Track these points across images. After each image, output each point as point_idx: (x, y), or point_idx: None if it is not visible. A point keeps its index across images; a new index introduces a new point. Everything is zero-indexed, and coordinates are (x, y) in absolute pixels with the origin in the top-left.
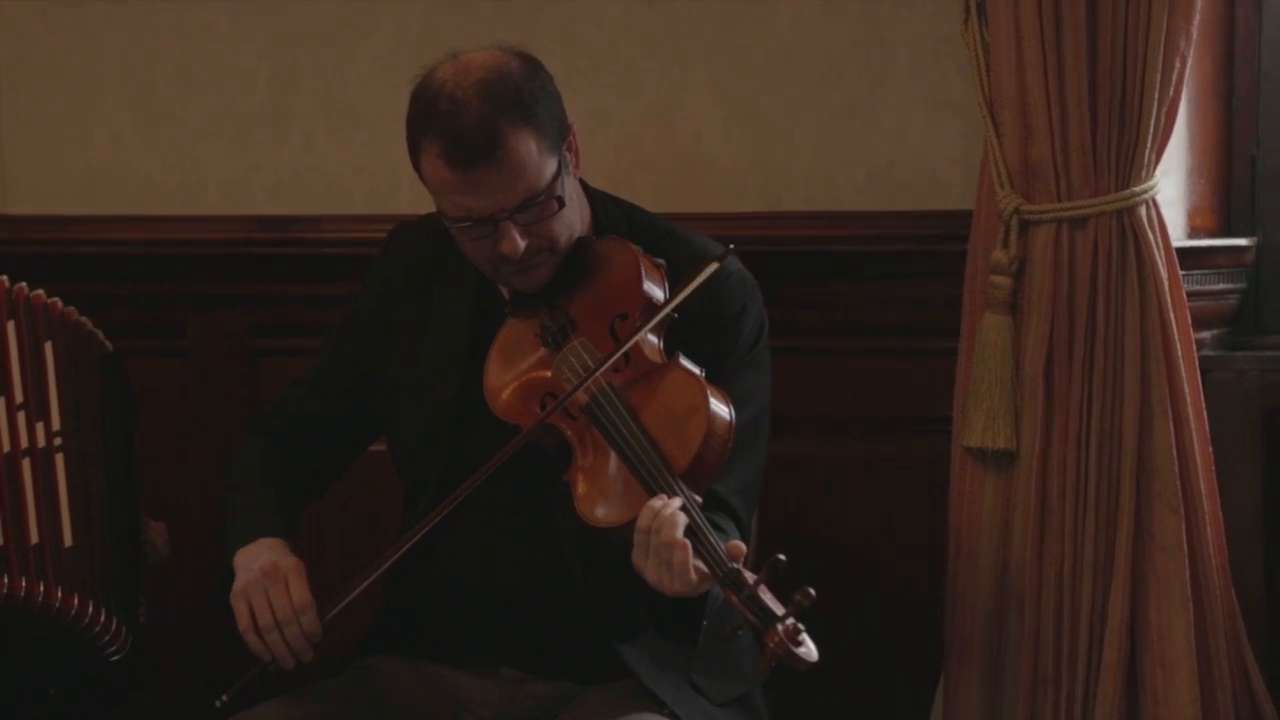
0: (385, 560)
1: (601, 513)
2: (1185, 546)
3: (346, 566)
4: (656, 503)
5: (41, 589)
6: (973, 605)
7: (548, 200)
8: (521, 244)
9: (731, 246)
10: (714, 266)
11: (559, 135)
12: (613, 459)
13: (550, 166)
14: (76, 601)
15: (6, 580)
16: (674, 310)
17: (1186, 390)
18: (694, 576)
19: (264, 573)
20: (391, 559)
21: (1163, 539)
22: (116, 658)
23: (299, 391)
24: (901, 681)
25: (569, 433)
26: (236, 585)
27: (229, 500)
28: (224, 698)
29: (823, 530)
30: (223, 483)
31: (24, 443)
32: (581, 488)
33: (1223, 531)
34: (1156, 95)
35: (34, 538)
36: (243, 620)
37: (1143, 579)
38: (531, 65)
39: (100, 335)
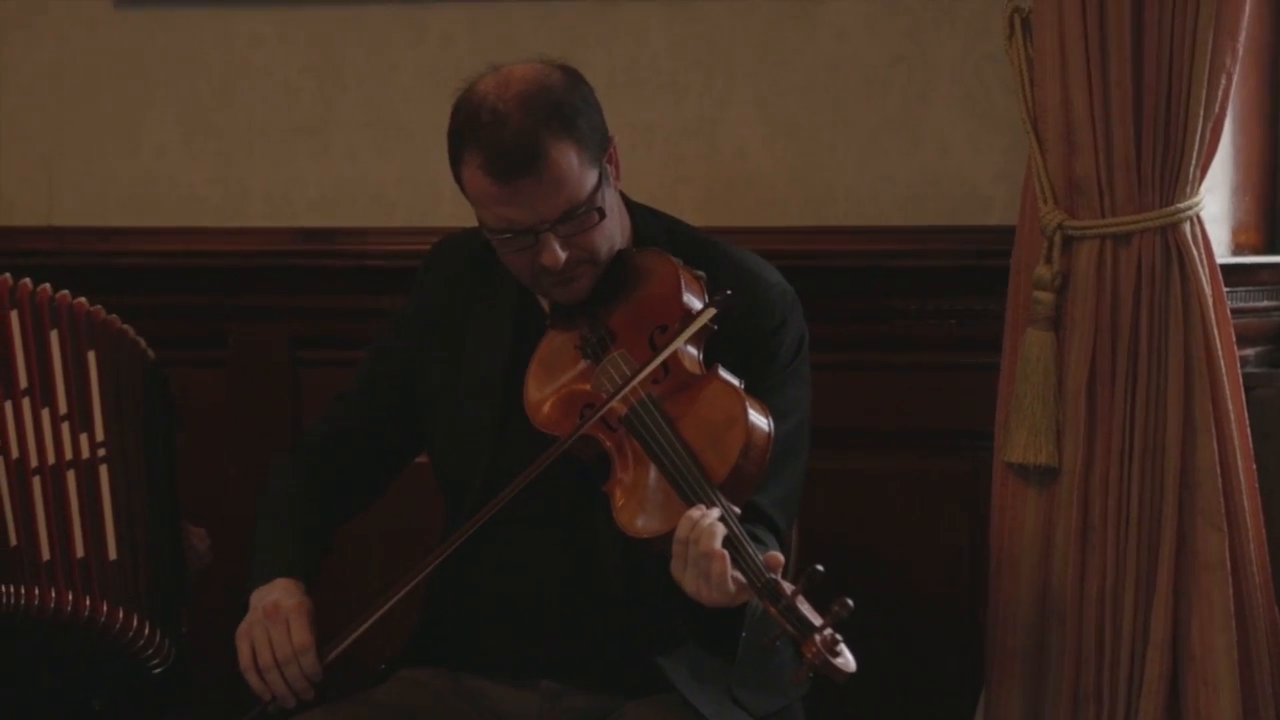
0: (395, 594)
1: (641, 523)
2: (1228, 564)
3: (388, 580)
4: (695, 513)
5: (87, 603)
6: (1014, 620)
7: (588, 212)
8: (562, 255)
9: (730, 292)
10: (711, 312)
11: (600, 147)
12: (652, 470)
13: (591, 178)
14: (121, 615)
15: (54, 594)
16: (712, 323)
17: (1230, 407)
18: (732, 587)
19: (266, 613)
20: (402, 592)
21: (1205, 556)
22: (159, 670)
23: (341, 406)
24: (942, 696)
25: (608, 444)
26: (241, 625)
27: (256, 533)
28: None
29: (864, 544)
30: (261, 496)
31: (68, 454)
32: (620, 499)
33: (1266, 549)
34: (1202, 111)
35: (79, 551)
36: (243, 658)
37: (1185, 596)
38: (572, 77)
39: (142, 343)
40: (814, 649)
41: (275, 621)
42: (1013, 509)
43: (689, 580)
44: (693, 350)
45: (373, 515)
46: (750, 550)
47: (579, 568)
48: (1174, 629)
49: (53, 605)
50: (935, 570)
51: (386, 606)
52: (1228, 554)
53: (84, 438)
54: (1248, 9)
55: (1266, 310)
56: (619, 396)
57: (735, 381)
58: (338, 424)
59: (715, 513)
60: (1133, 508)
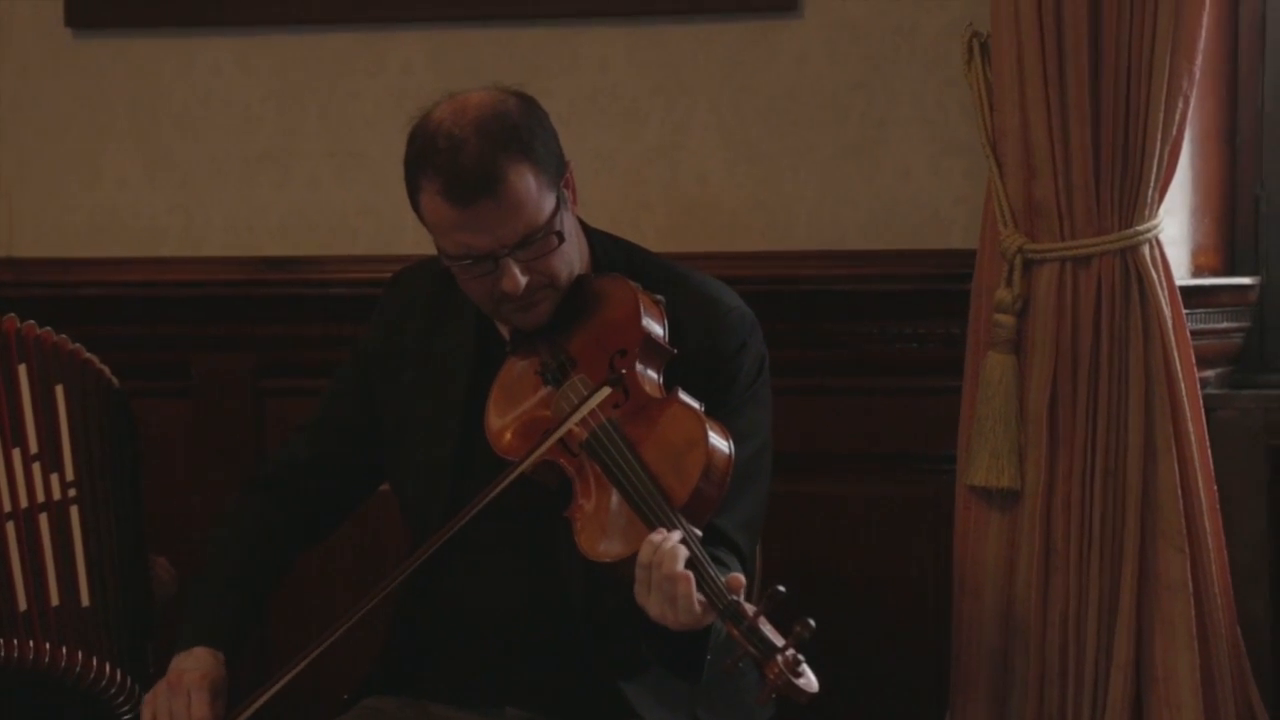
0: (311, 653)
1: (602, 548)
2: (1190, 585)
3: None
4: (656, 537)
5: (64, 653)
6: (978, 644)
7: (547, 236)
8: (522, 281)
9: (625, 372)
10: (606, 391)
11: (557, 171)
12: (613, 494)
13: (549, 202)
14: (95, 663)
15: (32, 645)
16: (671, 346)
17: (1190, 428)
18: (698, 609)
19: (169, 683)
20: (329, 640)
21: (1167, 577)
22: (128, 716)
23: (301, 438)
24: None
25: (569, 469)
26: (149, 693)
27: (194, 585)
28: None
29: (827, 568)
30: (212, 531)
31: (40, 497)
32: (582, 524)
33: (1227, 570)
34: (1160, 134)
35: (54, 599)
36: None
37: (1148, 617)
38: (528, 103)
39: (106, 371)
40: (776, 670)
41: (176, 693)
42: (975, 532)
43: (653, 604)
44: (652, 373)
45: (337, 542)
46: (712, 572)
47: (543, 594)
48: (1137, 650)
49: (31, 657)
50: (899, 594)
51: (295, 671)
52: (1189, 575)
53: (54, 478)
54: (1204, 32)
55: (1226, 332)
56: (572, 421)
57: (695, 404)
58: (297, 454)
59: (676, 535)
60: (1095, 529)
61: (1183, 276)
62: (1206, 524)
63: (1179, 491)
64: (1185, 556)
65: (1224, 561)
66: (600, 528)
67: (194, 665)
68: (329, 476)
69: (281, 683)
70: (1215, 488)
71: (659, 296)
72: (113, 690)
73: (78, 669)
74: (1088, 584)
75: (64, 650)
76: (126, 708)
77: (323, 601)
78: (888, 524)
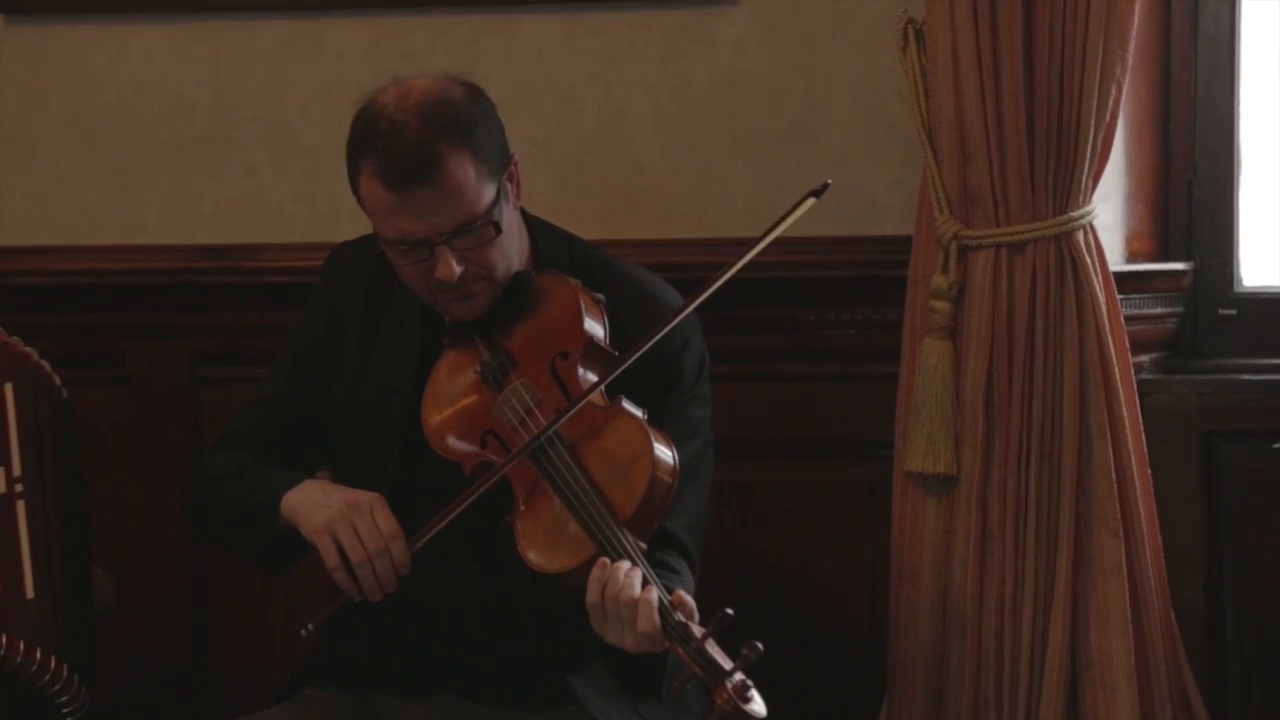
0: (468, 498)
1: (546, 560)
2: (1125, 569)
3: (291, 596)
4: (599, 572)
5: (3, 641)
6: (914, 629)
7: (484, 226)
8: (457, 269)
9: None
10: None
11: (499, 163)
12: (556, 503)
13: (488, 192)
14: (38, 655)
15: None
16: (613, 349)
17: (1125, 414)
18: (658, 633)
19: (348, 505)
20: (470, 499)
21: (1102, 562)
22: (71, 715)
23: (253, 412)
24: (844, 705)
25: (510, 476)
26: (317, 521)
27: (231, 478)
28: (310, 627)
29: (763, 555)
30: (202, 484)
31: None
32: (524, 532)
33: (1162, 554)
34: (1093, 121)
35: None
36: (331, 558)
37: (1083, 602)
38: (474, 92)
39: (57, 379)
40: (725, 695)
41: (360, 514)
42: (912, 517)
43: (611, 632)
44: (594, 377)
45: None
46: (660, 592)
47: (486, 586)
48: (1072, 634)
49: None
50: (836, 579)
51: (469, 502)
52: (1124, 559)
53: (1, 472)
54: (1137, 19)
55: (1160, 317)
56: (529, 447)
57: (639, 414)
58: (251, 426)
59: (624, 565)
60: (1030, 515)
61: (1117, 262)
62: (1141, 509)
63: (1114, 476)
64: (1120, 541)
65: (1158, 546)
66: (544, 539)
67: (340, 491)
68: (281, 450)
69: (457, 511)
70: (1149, 472)
71: (599, 296)
72: (57, 686)
73: (18, 658)
74: (1024, 568)
75: (3, 638)
76: (70, 708)
77: (266, 593)
78: (825, 510)
